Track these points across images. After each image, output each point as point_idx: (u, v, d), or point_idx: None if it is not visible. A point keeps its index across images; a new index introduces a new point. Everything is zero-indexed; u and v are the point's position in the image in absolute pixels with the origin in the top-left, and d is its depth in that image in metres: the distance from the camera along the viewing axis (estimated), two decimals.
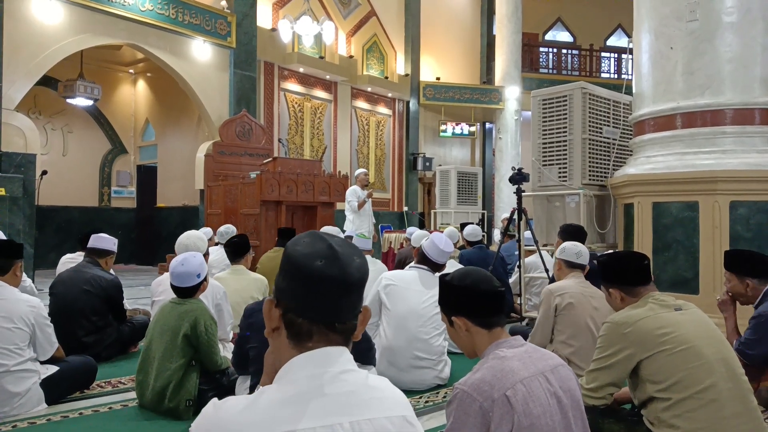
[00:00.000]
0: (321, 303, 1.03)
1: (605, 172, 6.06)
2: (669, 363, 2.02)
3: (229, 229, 6.11)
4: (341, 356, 1.04)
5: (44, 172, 7.82)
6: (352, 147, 13.04)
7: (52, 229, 10.45)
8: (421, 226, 13.65)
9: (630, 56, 5.60)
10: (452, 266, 4.36)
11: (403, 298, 3.53)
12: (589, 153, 5.94)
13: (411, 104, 14.35)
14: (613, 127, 6.24)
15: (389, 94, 13.82)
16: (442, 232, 6.19)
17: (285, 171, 7.99)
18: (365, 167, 13.21)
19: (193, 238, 4.02)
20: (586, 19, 18.22)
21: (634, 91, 5.49)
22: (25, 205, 7.24)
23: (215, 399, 1.02)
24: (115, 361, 4.08)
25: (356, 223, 7.56)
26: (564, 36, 18.72)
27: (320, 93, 12.22)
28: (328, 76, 12.14)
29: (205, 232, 6.29)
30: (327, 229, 5.05)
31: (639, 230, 5.03)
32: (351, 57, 12.75)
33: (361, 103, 13.27)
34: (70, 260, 4.91)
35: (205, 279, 3.19)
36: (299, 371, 1.02)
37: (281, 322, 1.06)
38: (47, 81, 9.67)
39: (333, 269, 1.02)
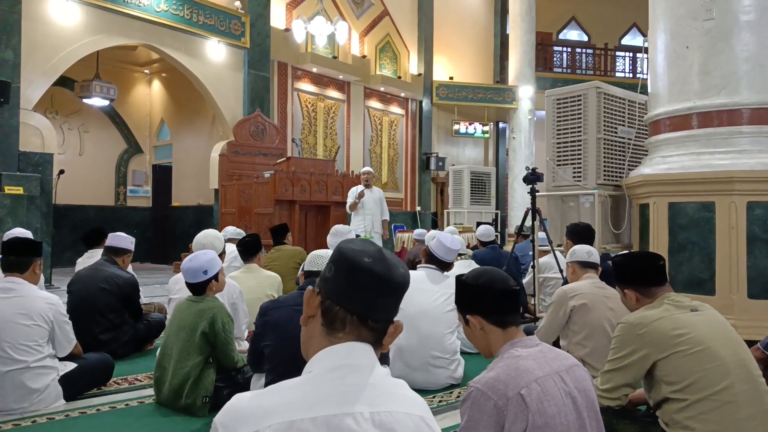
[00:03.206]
0: (361, 296, 1.08)
1: (620, 172, 6.02)
2: (684, 364, 2.01)
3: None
4: (367, 352, 1.08)
5: (61, 172, 7.92)
6: (365, 147, 13.06)
7: (68, 227, 10.56)
8: (434, 225, 13.63)
9: (645, 55, 5.55)
10: (469, 266, 4.36)
11: (413, 299, 3.52)
12: (604, 153, 5.91)
13: (424, 104, 14.33)
14: (628, 126, 6.20)
15: (402, 94, 13.82)
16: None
17: (298, 171, 8.03)
18: (378, 167, 13.23)
19: (210, 237, 4.04)
20: (600, 18, 18.09)
21: (649, 90, 5.44)
22: (43, 203, 7.34)
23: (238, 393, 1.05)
24: (132, 358, 4.13)
25: (354, 223, 7.63)
26: (578, 35, 18.60)
27: (333, 93, 12.25)
28: (341, 76, 12.17)
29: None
30: (338, 228, 5.04)
31: (654, 231, 4.99)
32: (364, 57, 12.76)
33: (374, 103, 13.28)
34: (88, 259, 4.97)
35: (215, 277, 3.19)
36: (323, 362, 1.06)
37: (319, 309, 1.11)
38: (64, 81, 9.78)
39: (379, 267, 1.08)
